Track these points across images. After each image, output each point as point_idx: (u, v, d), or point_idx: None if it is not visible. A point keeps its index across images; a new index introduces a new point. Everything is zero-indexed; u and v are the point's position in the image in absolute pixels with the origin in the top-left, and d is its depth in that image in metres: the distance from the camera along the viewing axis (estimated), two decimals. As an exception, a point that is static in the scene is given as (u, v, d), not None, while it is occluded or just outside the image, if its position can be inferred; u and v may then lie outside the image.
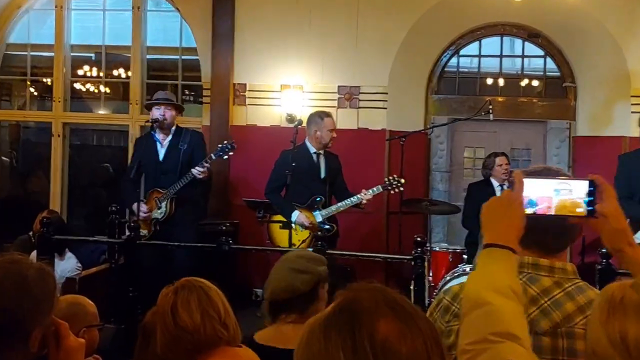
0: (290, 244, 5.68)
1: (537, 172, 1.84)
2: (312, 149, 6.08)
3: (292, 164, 5.66)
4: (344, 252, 5.28)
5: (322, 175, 6.07)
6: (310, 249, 4.73)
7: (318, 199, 5.99)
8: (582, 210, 1.60)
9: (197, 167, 5.74)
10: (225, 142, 5.80)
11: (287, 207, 5.97)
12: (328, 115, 6.11)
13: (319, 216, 5.97)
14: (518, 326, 1.41)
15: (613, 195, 1.61)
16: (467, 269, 5.53)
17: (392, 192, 6.02)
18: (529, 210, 1.61)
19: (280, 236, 5.91)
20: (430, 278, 5.90)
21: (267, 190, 6.10)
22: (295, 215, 5.92)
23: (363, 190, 5.89)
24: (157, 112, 6.05)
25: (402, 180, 5.96)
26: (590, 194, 1.59)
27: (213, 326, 2.23)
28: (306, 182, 5.94)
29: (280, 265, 2.74)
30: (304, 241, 5.99)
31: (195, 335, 2.20)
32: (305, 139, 6.10)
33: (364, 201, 5.88)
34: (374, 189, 5.91)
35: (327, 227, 5.95)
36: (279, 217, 5.98)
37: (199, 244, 5.65)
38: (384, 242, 7.40)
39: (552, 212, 1.61)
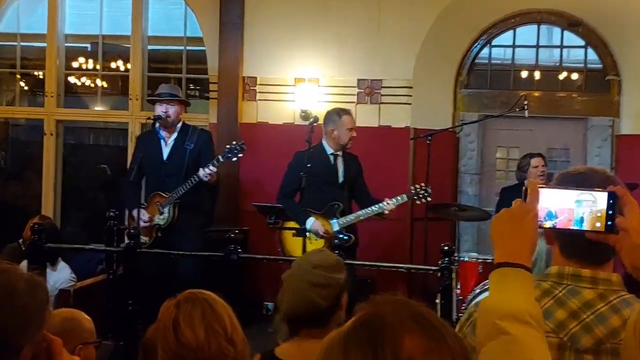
0: (305, 248, 5.66)
1: (575, 175, 1.84)
2: (329, 150, 6.07)
3: (307, 166, 5.63)
4: (364, 263, 5.27)
5: (340, 179, 6.07)
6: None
7: (336, 206, 5.97)
8: (599, 225, 1.59)
9: (204, 170, 5.74)
10: (235, 142, 5.81)
11: (301, 214, 5.96)
12: (347, 112, 6.10)
13: (336, 225, 5.96)
14: (540, 355, 1.42)
15: (636, 208, 1.59)
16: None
17: (418, 202, 6.00)
18: (548, 224, 1.61)
19: (293, 245, 5.91)
20: (458, 291, 5.88)
21: (280, 195, 6.10)
22: (310, 222, 5.90)
23: (386, 199, 5.87)
24: (159, 109, 6.07)
25: (430, 190, 5.94)
26: (609, 207, 1.58)
27: (218, 342, 2.22)
28: (322, 187, 5.94)
29: (297, 278, 2.71)
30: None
31: (199, 353, 2.19)
32: (322, 138, 6.10)
33: (387, 211, 5.85)
34: (398, 197, 5.89)
35: (344, 237, 5.93)
36: (292, 224, 5.98)
37: (205, 253, 5.67)
38: (408, 251, 7.37)
39: (572, 226, 1.60)
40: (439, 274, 4.64)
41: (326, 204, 5.99)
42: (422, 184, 6.01)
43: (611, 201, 1.58)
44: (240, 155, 5.78)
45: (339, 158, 6.11)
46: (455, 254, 5.58)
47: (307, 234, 5.87)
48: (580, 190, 1.62)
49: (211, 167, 5.74)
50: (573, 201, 1.59)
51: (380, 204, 5.87)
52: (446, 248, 4.69)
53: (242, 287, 6.64)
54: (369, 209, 5.90)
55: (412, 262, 6.94)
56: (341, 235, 5.96)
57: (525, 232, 1.56)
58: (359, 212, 5.95)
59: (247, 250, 6.80)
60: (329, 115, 6.17)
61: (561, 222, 1.60)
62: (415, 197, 5.98)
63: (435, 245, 5.27)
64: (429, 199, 5.98)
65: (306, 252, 2.86)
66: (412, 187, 6.03)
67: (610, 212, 1.58)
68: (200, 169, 5.75)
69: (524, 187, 1.60)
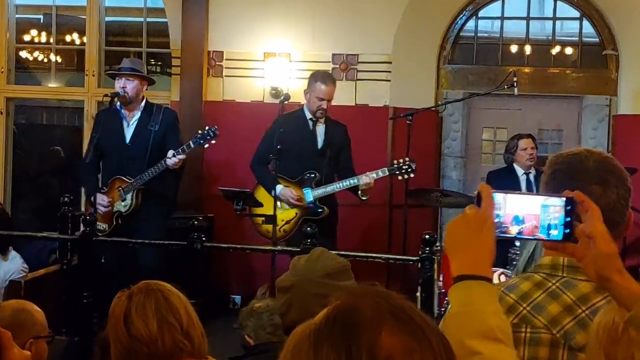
0: (275, 235, 5.79)
1: (570, 156, 1.85)
2: (309, 115, 6.18)
3: (280, 130, 5.71)
4: (339, 252, 5.29)
5: (319, 146, 6.09)
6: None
7: (312, 175, 6.01)
8: (555, 232, 1.58)
9: (172, 157, 5.73)
10: (207, 127, 5.85)
11: (270, 180, 6.06)
12: (325, 79, 6.19)
13: (309, 194, 6.01)
14: None
15: (598, 214, 1.57)
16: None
17: (400, 177, 6.02)
18: (514, 229, 1.59)
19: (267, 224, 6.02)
20: (440, 283, 5.91)
21: (253, 161, 6.26)
22: (279, 188, 6.00)
23: (368, 172, 5.93)
24: (117, 85, 6.07)
25: (414, 165, 5.97)
26: (567, 213, 1.57)
27: (173, 336, 2.24)
28: (299, 154, 6.00)
29: (302, 291, 2.58)
30: (288, 222, 6.10)
31: (152, 347, 2.20)
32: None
33: (363, 185, 5.88)
34: (379, 171, 5.93)
35: (318, 209, 6.04)
36: (261, 210, 6.01)
37: (167, 242, 5.67)
38: (386, 240, 7.43)
39: (537, 234, 1.59)
40: (419, 265, 4.66)
41: (302, 172, 6.04)
42: (406, 158, 6.02)
43: (569, 207, 1.57)
44: (213, 141, 5.83)
45: (319, 124, 6.18)
46: (437, 244, 5.63)
47: (278, 203, 5.93)
48: (544, 195, 1.62)
49: (180, 155, 5.72)
50: (539, 206, 1.58)
51: (358, 177, 5.93)
52: (427, 237, 4.73)
53: (207, 279, 6.67)
54: (345, 181, 5.97)
55: (391, 252, 6.97)
56: (312, 207, 6.00)
57: (484, 242, 1.52)
58: (334, 184, 6.01)
59: (213, 239, 6.84)
60: (310, 76, 6.31)
61: (527, 229, 1.59)
62: (397, 172, 6.00)
63: (415, 234, 5.31)
64: (411, 175, 6.01)
65: (307, 257, 2.73)
66: (395, 162, 6.04)
67: (568, 219, 1.57)
68: (169, 155, 5.74)
69: (476, 192, 1.57)
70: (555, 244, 1.63)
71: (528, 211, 1.58)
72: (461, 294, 1.51)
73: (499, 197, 1.58)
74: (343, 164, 6.16)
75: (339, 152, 6.18)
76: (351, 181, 5.96)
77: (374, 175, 5.92)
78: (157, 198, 6.05)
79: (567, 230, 1.57)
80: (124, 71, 6.09)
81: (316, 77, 6.20)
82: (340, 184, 5.98)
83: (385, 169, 5.97)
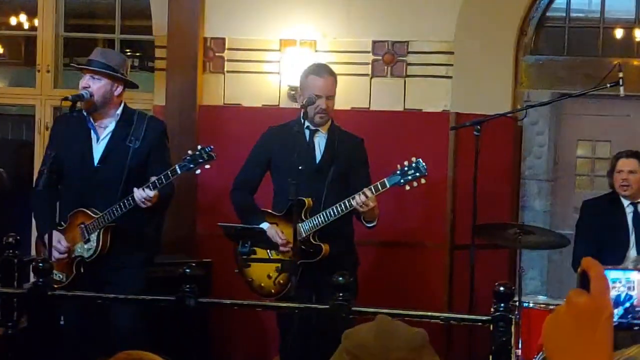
0: (293, 289, 5.73)
1: None
2: (306, 122, 6.19)
3: (273, 145, 5.79)
4: (378, 310, 5.29)
5: (317, 161, 6.17)
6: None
7: (300, 202, 5.96)
8: None
9: (141, 190, 5.75)
10: (200, 147, 5.80)
11: (250, 215, 6.10)
12: (319, 72, 6.21)
13: (301, 230, 6.01)
14: None
15: None
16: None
17: (407, 188, 5.92)
18: None
19: (257, 270, 6.08)
20: (519, 351, 5.91)
21: (234, 185, 6.35)
22: (265, 227, 6.04)
23: (365, 190, 5.84)
24: (80, 83, 6.08)
25: (423, 166, 5.85)
26: None
27: None
28: (294, 174, 5.90)
29: None
30: (282, 271, 6.06)
31: None
32: None
33: (359, 207, 5.82)
34: (378, 184, 5.83)
35: (310, 249, 6.00)
36: (275, 254, 6.05)
37: (149, 297, 5.68)
38: (445, 293, 7.44)
39: None
40: (491, 327, 4.67)
41: (299, 195, 5.97)
42: (413, 158, 5.90)
43: None
44: (207, 166, 5.78)
45: (318, 134, 6.21)
46: (516, 298, 5.58)
47: (269, 251, 5.98)
48: None
49: (148, 192, 5.73)
50: None
51: (348, 199, 5.86)
52: (502, 289, 4.70)
53: (205, 345, 6.68)
54: (335, 207, 5.91)
55: (452, 309, 6.94)
56: (305, 245, 5.99)
57: (600, 342, 1.50)
58: (327, 211, 5.97)
59: (211, 292, 6.87)
60: (302, 73, 6.33)
61: None
62: (402, 181, 5.91)
63: (485, 284, 5.29)
64: (422, 180, 5.92)
65: (376, 331, 2.53)
66: (398, 167, 5.94)
67: None
68: (136, 190, 5.76)
69: (579, 269, 1.55)
70: None
71: None
72: None
73: (623, 272, 1.57)
74: (356, 185, 6.08)
75: (347, 172, 6.17)
76: (340, 207, 5.89)
77: (369, 193, 5.85)
78: (132, 238, 6.03)
79: None
80: (90, 66, 6.08)
81: (306, 71, 6.25)
82: (331, 211, 5.96)
83: (386, 180, 5.85)
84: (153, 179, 5.75)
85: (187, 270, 5.32)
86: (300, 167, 5.71)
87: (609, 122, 8.06)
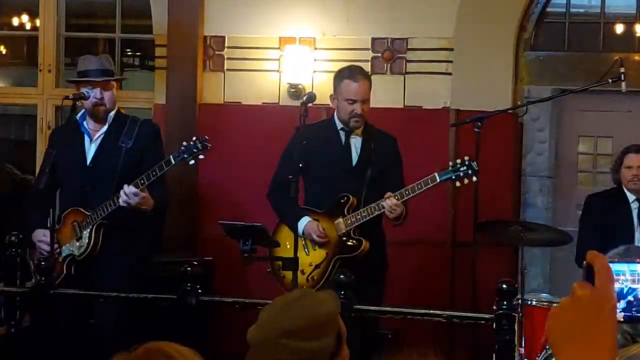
0: (295, 284, 5.72)
1: None
2: (339, 124, 6.20)
3: (303, 142, 5.72)
4: (378, 308, 5.25)
5: (354, 163, 6.14)
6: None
7: (343, 199, 6.02)
8: None
9: (127, 188, 5.73)
10: (195, 138, 5.84)
11: (291, 212, 6.04)
12: (353, 75, 6.17)
13: (342, 225, 5.99)
14: None
15: None
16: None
17: (458, 184, 5.92)
18: None
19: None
20: (522, 350, 5.86)
21: (271, 187, 6.29)
22: (303, 224, 5.98)
23: (388, 193, 5.86)
24: (93, 93, 6.07)
25: (475, 165, 5.86)
26: None
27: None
28: (328, 176, 5.98)
29: (255, 349, 2.66)
30: (317, 266, 6.08)
31: None
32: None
33: (388, 212, 5.84)
34: (428, 179, 5.85)
35: (351, 242, 6.03)
36: (280, 252, 5.99)
37: (149, 295, 5.66)
38: (447, 291, 7.39)
39: None
40: (493, 325, 4.61)
41: (334, 197, 6.05)
42: (466, 157, 5.92)
43: None
44: (201, 156, 5.81)
45: (354, 135, 6.18)
46: (518, 296, 5.54)
47: (303, 242, 5.95)
48: None
49: (132, 189, 5.69)
50: None
51: (378, 202, 5.88)
52: (505, 286, 4.69)
53: (206, 344, 6.62)
54: (370, 206, 5.94)
55: (455, 307, 6.89)
56: (345, 241, 6.00)
57: (604, 334, 1.51)
58: (364, 209, 5.98)
59: (212, 291, 6.83)
60: (334, 76, 6.30)
61: None
62: (454, 177, 5.89)
63: (488, 282, 5.25)
64: (474, 178, 5.92)
65: (275, 303, 2.76)
66: (450, 164, 5.94)
67: None
68: (124, 187, 5.75)
69: (585, 262, 1.56)
70: None
71: None
72: None
73: (627, 265, 1.56)
74: (391, 185, 6.08)
75: (383, 171, 6.14)
76: (372, 209, 5.93)
77: (404, 193, 5.83)
78: (125, 238, 6.03)
79: None
80: (93, 76, 6.08)
81: (341, 74, 6.20)
82: (367, 211, 5.95)
83: (422, 182, 5.85)
84: (137, 180, 5.77)
85: (189, 269, 5.30)
86: (300, 165, 5.67)
87: (610, 118, 8.02)
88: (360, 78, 6.15)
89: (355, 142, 6.18)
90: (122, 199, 5.73)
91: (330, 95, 6.23)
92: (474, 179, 5.93)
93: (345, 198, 6.04)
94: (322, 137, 6.01)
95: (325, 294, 2.82)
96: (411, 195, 5.86)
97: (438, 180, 5.87)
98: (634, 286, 1.52)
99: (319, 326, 2.68)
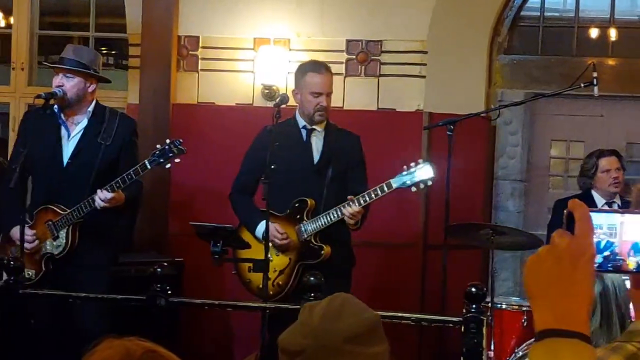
0: (265, 286, 5.70)
1: None
2: (302, 122, 6.19)
3: (274, 144, 5.67)
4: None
5: (315, 161, 6.14)
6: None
7: (302, 203, 6.01)
8: None
9: (102, 194, 5.70)
10: (169, 141, 5.80)
11: (250, 216, 6.09)
12: (317, 68, 6.18)
13: (303, 231, 6.00)
14: None
15: None
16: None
17: (414, 189, 5.89)
18: (632, 261, 1.60)
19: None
20: (492, 353, 5.86)
21: (232, 188, 6.29)
22: (262, 228, 5.90)
23: (349, 197, 5.84)
24: (54, 81, 6.07)
25: (432, 168, 5.81)
26: None
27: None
28: (289, 176, 5.94)
29: (316, 356, 2.56)
30: (281, 272, 6.04)
31: None
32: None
33: (348, 218, 5.81)
34: (383, 185, 5.79)
35: (314, 247, 6.00)
36: (248, 253, 5.95)
37: (119, 296, 5.63)
38: (418, 294, 7.38)
39: None
40: (462, 328, 4.59)
41: (295, 196, 6.05)
42: (421, 160, 5.87)
43: None
44: (176, 160, 5.80)
45: (315, 133, 6.17)
46: (488, 299, 5.53)
47: (276, 251, 5.95)
48: None
49: (106, 194, 5.67)
50: None
51: (338, 207, 5.86)
52: (474, 290, 4.69)
53: (174, 345, 6.58)
54: (333, 211, 5.90)
55: (425, 309, 6.88)
56: (307, 247, 5.98)
57: (580, 284, 1.52)
58: (324, 215, 5.96)
59: (182, 292, 6.83)
60: (296, 71, 6.33)
61: None
62: (409, 182, 5.82)
63: (458, 285, 5.23)
64: (429, 183, 5.88)
65: (323, 311, 2.66)
66: (405, 169, 5.88)
67: None
68: (98, 192, 5.72)
69: (565, 211, 1.57)
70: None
71: None
72: (546, 356, 1.50)
73: (605, 217, 1.60)
74: (354, 185, 6.06)
75: (345, 171, 6.11)
76: (333, 215, 5.90)
77: (362, 200, 5.79)
78: (101, 236, 6.00)
79: None
80: (63, 64, 6.03)
81: (304, 67, 6.24)
82: (331, 215, 5.92)
83: (378, 188, 5.81)
84: (108, 185, 5.73)
85: (158, 270, 5.25)
86: (272, 167, 5.64)
87: (582, 122, 8.06)
88: (325, 71, 6.17)
89: (317, 141, 6.17)
90: (98, 204, 5.71)
91: (293, 91, 6.24)
92: (429, 183, 5.89)
93: (304, 202, 6.02)
94: (283, 137, 5.95)
95: (359, 300, 2.72)
96: (369, 202, 5.84)
97: (393, 186, 5.81)
98: (611, 240, 1.51)
99: (373, 330, 2.62)
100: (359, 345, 2.55)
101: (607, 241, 1.57)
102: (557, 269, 1.53)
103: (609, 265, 1.57)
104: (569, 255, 1.53)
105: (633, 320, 1.89)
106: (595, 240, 1.55)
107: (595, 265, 1.55)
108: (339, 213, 5.89)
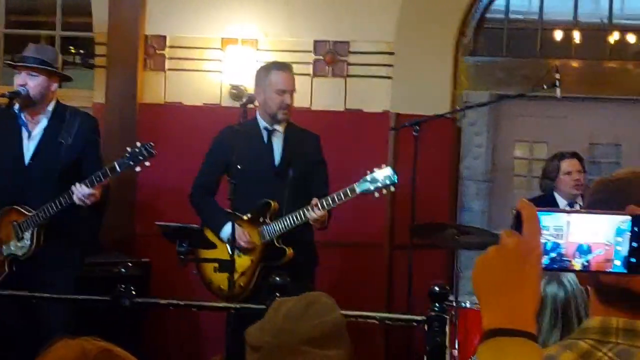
0: (232, 288, 5.70)
1: (612, 182, 1.89)
2: (263, 123, 6.19)
3: (236, 146, 5.70)
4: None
5: (276, 163, 6.15)
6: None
7: (265, 205, 6.01)
8: (618, 262, 1.60)
9: (79, 188, 5.65)
10: (140, 144, 5.75)
11: (214, 217, 6.08)
12: (281, 67, 6.22)
13: (265, 233, 6.00)
14: None
15: None
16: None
17: (376, 195, 5.92)
18: (577, 262, 1.61)
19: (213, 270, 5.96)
20: (456, 352, 5.87)
21: (193, 189, 6.28)
22: (228, 231, 5.89)
23: (314, 199, 5.87)
24: (16, 80, 6.03)
25: (392, 174, 5.84)
26: (634, 236, 1.60)
27: None
28: (252, 175, 5.94)
29: (273, 355, 2.61)
30: (243, 273, 6.05)
31: None
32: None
33: (313, 221, 5.86)
34: (347, 190, 5.82)
35: (277, 252, 6.01)
36: (213, 253, 5.94)
37: (84, 297, 5.61)
38: (385, 293, 7.38)
39: (611, 269, 1.61)
40: (426, 327, 4.61)
41: (257, 198, 6.05)
42: (383, 165, 5.92)
43: (636, 229, 1.59)
44: (146, 163, 5.74)
45: (276, 134, 6.18)
46: (451, 298, 5.55)
47: (228, 247, 5.88)
48: (608, 213, 1.64)
49: (84, 189, 5.63)
50: (613, 229, 1.60)
51: (303, 209, 5.88)
52: (437, 289, 4.71)
53: (139, 346, 6.57)
54: (296, 214, 5.92)
55: (392, 308, 6.89)
56: (270, 248, 5.99)
57: (528, 283, 1.53)
58: (288, 217, 5.98)
59: (148, 292, 6.81)
60: (258, 71, 6.34)
61: (597, 261, 1.61)
62: (372, 188, 5.86)
63: (424, 284, 5.26)
64: (392, 188, 5.91)
65: (289, 309, 2.71)
66: (368, 174, 5.89)
67: (635, 244, 1.59)
68: (75, 187, 5.67)
69: (514, 210, 1.59)
70: (618, 278, 1.66)
71: (595, 237, 1.61)
72: (493, 355, 1.51)
73: (552, 219, 1.60)
74: (317, 186, 6.09)
75: (307, 171, 6.12)
76: (296, 217, 5.91)
77: (325, 204, 5.82)
78: (68, 237, 5.96)
79: (634, 260, 1.60)
80: (26, 63, 6.00)
81: (268, 67, 6.28)
82: (294, 217, 5.93)
83: (342, 192, 5.84)
84: (86, 180, 5.68)
85: (123, 270, 5.23)
86: (238, 167, 5.63)
87: (546, 123, 8.07)
88: (288, 69, 6.22)
89: (278, 142, 6.19)
90: (78, 197, 5.64)
91: (255, 90, 6.25)
92: (392, 189, 5.95)
93: (268, 204, 6.02)
94: (244, 138, 5.94)
95: (329, 300, 2.77)
96: (332, 206, 5.88)
97: (357, 191, 5.85)
98: (558, 241, 1.54)
99: (335, 333, 2.66)
100: (315, 347, 2.59)
101: (553, 242, 1.59)
102: (504, 268, 1.54)
103: (555, 265, 1.60)
104: (516, 255, 1.54)
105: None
106: (542, 241, 1.58)
107: (542, 265, 1.57)
108: (303, 216, 5.91)
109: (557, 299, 3.72)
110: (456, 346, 5.93)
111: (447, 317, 4.70)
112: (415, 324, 4.98)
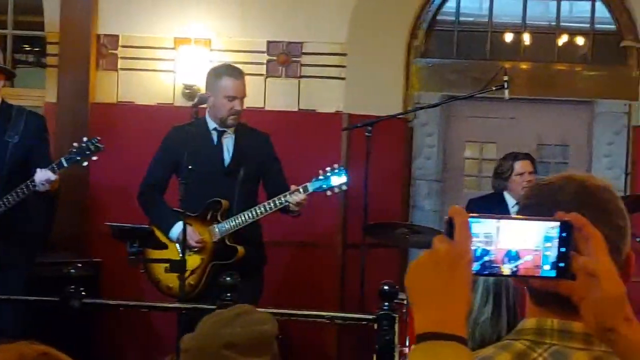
0: (183, 289, 5.68)
1: (542, 186, 1.90)
2: (212, 124, 6.18)
3: (186, 146, 5.69)
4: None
5: (226, 164, 6.13)
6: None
7: (215, 204, 6.01)
8: (547, 266, 1.63)
9: (41, 175, 5.61)
10: (86, 139, 5.77)
11: (164, 216, 6.05)
12: (232, 73, 6.18)
13: (217, 232, 5.98)
14: None
15: (602, 245, 1.62)
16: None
17: (329, 193, 5.98)
18: (506, 268, 1.63)
19: (162, 270, 5.92)
20: (406, 349, 5.89)
21: (141, 188, 6.23)
22: (177, 230, 5.89)
23: (292, 186, 5.90)
24: None
25: (341, 174, 5.89)
26: (562, 242, 1.63)
27: None
28: (202, 175, 5.93)
29: (193, 357, 2.69)
30: (193, 272, 6.02)
31: None
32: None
33: (295, 205, 5.88)
34: (300, 188, 5.88)
35: (228, 251, 6.00)
36: (164, 253, 5.92)
37: (32, 298, 5.59)
38: (338, 292, 7.40)
39: (539, 273, 1.64)
40: (375, 326, 4.62)
41: (207, 198, 6.04)
42: (336, 165, 5.99)
43: (564, 234, 1.63)
44: (94, 157, 5.76)
45: (226, 135, 6.18)
46: (402, 296, 5.59)
47: (178, 246, 5.87)
48: (537, 219, 1.66)
49: (50, 174, 5.60)
50: (541, 235, 1.63)
51: (284, 194, 5.89)
52: (386, 288, 4.72)
53: (89, 348, 6.55)
54: (246, 213, 5.93)
55: (345, 307, 6.89)
56: (221, 247, 5.98)
57: (458, 288, 1.56)
58: (248, 212, 5.97)
59: (98, 293, 6.75)
60: (208, 74, 6.30)
61: (525, 267, 1.63)
62: (324, 186, 5.92)
63: (376, 283, 5.29)
64: (344, 187, 5.97)
65: (220, 316, 2.79)
66: (320, 173, 5.94)
67: (563, 249, 1.62)
68: (38, 173, 5.63)
69: (446, 217, 1.60)
70: (545, 282, 1.67)
71: (524, 243, 1.63)
72: (425, 358, 1.53)
73: (482, 226, 1.61)
74: (273, 182, 6.11)
75: (258, 171, 6.13)
76: (248, 215, 5.93)
77: (301, 194, 5.87)
78: (17, 235, 5.91)
79: (562, 264, 1.62)
80: None
81: (218, 71, 6.23)
82: (243, 217, 5.92)
83: (307, 185, 5.89)
84: (49, 167, 5.63)
85: (72, 271, 5.20)
86: (190, 167, 5.63)
87: (495, 124, 8.14)
88: (239, 75, 6.18)
89: (228, 142, 6.17)
90: (40, 180, 5.59)
91: (207, 95, 6.19)
92: (344, 187, 5.99)
93: (218, 202, 6.02)
94: (193, 138, 5.92)
95: (265, 315, 2.87)
96: (284, 204, 5.92)
97: (309, 189, 5.90)
98: (487, 247, 1.56)
99: (259, 344, 2.73)
100: (237, 353, 2.66)
101: (483, 249, 1.62)
102: (435, 273, 1.56)
103: (486, 271, 1.62)
104: (447, 260, 1.56)
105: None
106: (473, 248, 1.61)
107: (473, 271, 1.60)
108: (255, 213, 5.92)
109: (488, 278, 3.77)
110: (407, 343, 5.94)
111: (397, 315, 4.74)
112: (365, 322, 5.02)
